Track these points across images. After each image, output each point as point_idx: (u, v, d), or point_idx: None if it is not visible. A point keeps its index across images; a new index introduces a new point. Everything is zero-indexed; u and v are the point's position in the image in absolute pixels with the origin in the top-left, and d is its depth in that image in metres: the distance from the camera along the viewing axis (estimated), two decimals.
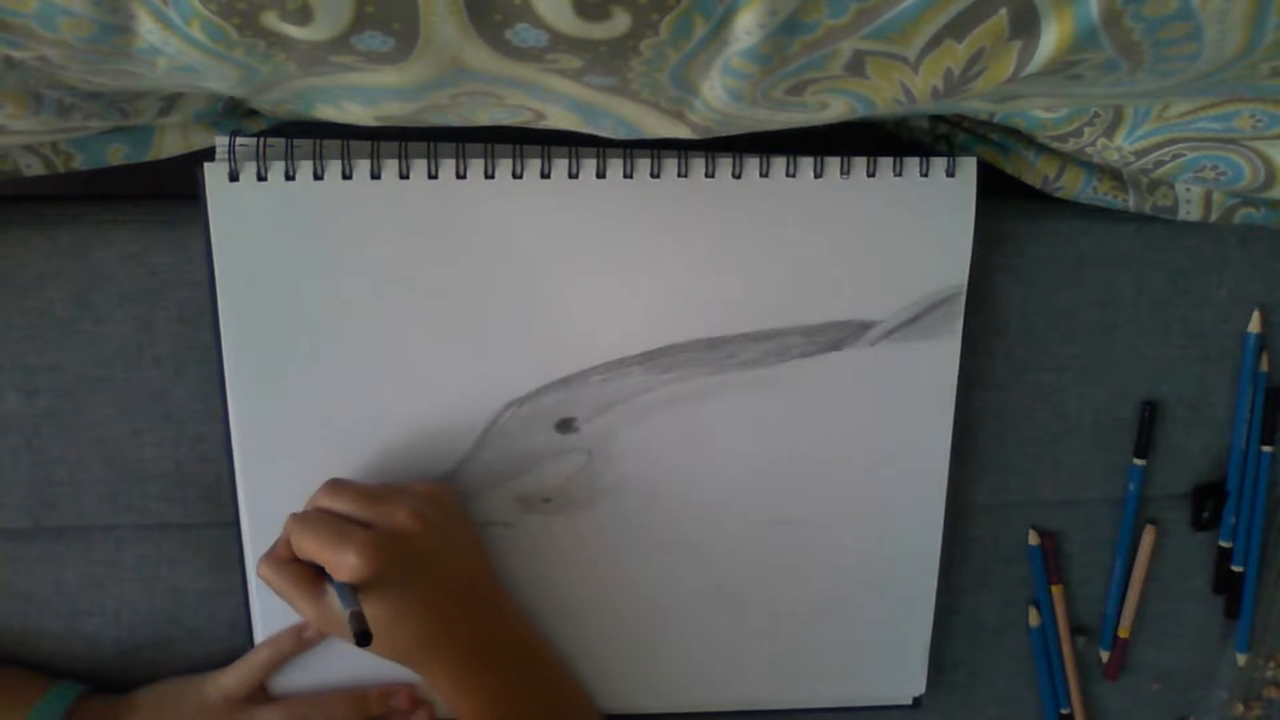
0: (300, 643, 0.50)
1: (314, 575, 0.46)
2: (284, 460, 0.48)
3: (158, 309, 0.48)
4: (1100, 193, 0.49)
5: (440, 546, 0.46)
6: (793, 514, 0.52)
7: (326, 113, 0.39)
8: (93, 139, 0.44)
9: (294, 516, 0.46)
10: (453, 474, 0.49)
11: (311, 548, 0.44)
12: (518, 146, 0.46)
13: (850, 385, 0.50)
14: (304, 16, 0.29)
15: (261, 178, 0.45)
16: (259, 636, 0.50)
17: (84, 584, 0.51)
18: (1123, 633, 0.57)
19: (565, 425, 0.50)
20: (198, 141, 0.46)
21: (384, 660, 0.46)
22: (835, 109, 0.36)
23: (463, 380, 0.48)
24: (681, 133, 0.39)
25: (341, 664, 0.51)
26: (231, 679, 0.50)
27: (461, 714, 0.47)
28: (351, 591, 0.43)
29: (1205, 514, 0.56)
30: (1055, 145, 0.46)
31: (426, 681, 0.47)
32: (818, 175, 0.47)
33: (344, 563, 0.43)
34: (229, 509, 0.49)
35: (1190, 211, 0.49)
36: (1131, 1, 0.28)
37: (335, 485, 0.47)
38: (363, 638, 0.42)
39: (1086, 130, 0.43)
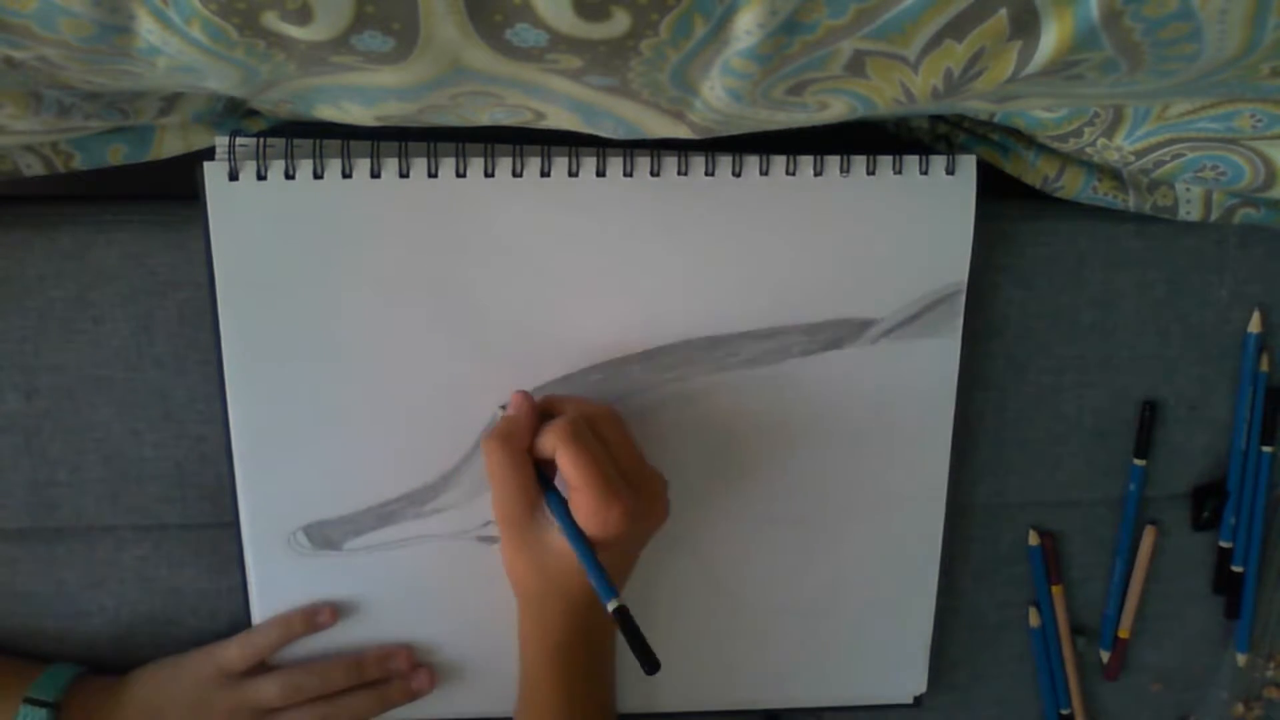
0: (312, 626, 0.50)
1: (537, 480, 0.44)
2: (284, 460, 0.48)
3: (158, 309, 0.48)
4: (1100, 193, 0.49)
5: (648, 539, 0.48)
6: (793, 514, 0.52)
7: (326, 113, 0.39)
8: (93, 139, 0.44)
9: (567, 426, 0.42)
10: (453, 474, 0.49)
11: (575, 476, 0.42)
12: (518, 146, 0.46)
13: (850, 384, 0.50)
14: (304, 16, 0.29)
15: (261, 177, 0.45)
16: None
17: (84, 584, 0.51)
18: (1123, 633, 0.57)
19: None
20: (198, 141, 0.46)
21: (380, 626, 0.47)
22: (835, 109, 0.36)
23: (463, 380, 0.48)
24: (681, 133, 0.39)
25: (337, 632, 0.50)
26: (235, 654, 0.49)
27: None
28: (592, 554, 0.41)
29: (1205, 514, 0.56)
30: (1055, 145, 0.46)
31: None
32: (817, 174, 0.47)
33: (603, 518, 0.42)
34: (229, 509, 0.49)
35: (1190, 211, 0.49)
36: (1131, 1, 0.28)
37: (619, 421, 0.45)
38: (652, 666, 0.39)
39: (1086, 130, 0.43)
